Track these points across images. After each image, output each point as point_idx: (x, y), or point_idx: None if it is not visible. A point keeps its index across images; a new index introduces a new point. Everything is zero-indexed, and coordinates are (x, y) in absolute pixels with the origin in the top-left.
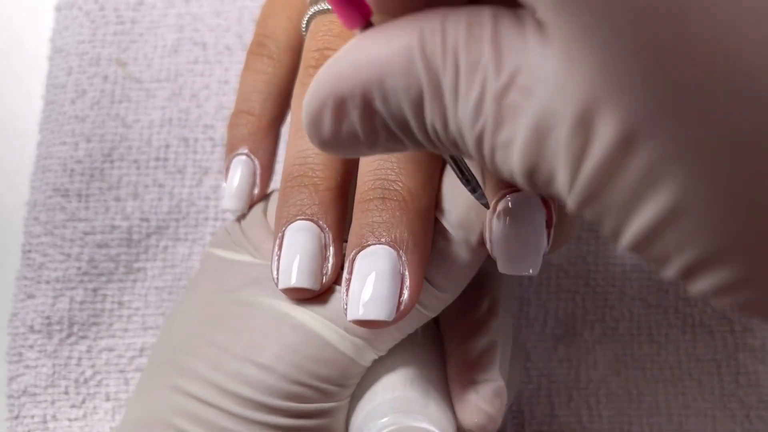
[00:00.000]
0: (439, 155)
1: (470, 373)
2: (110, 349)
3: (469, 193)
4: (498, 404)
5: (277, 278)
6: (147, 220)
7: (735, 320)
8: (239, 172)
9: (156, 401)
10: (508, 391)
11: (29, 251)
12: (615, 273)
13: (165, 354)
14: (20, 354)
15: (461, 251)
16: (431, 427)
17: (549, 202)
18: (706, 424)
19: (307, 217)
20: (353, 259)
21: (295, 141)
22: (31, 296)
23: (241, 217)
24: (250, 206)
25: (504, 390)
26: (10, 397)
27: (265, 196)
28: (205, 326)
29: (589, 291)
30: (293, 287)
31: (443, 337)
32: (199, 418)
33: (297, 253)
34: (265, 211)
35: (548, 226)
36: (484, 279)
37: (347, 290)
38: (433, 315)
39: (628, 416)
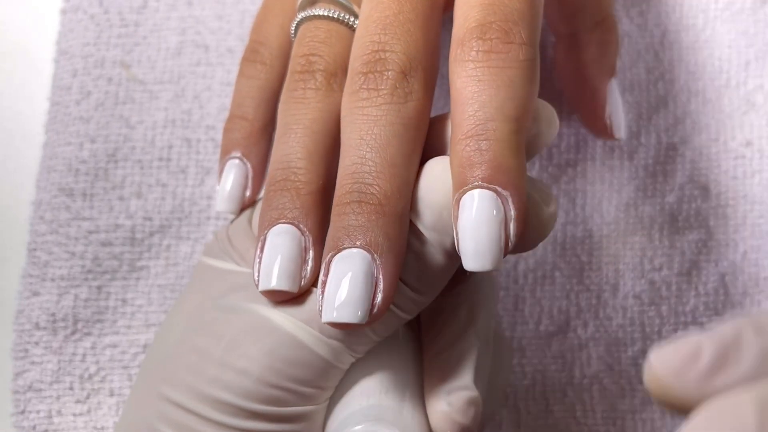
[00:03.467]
0: (417, 157)
1: (444, 382)
2: (114, 346)
3: (441, 196)
4: (471, 414)
5: (258, 280)
6: (150, 219)
7: (727, 317)
8: (232, 176)
9: (143, 409)
10: (494, 394)
11: (34, 249)
12: (608, 271)
13: (153, 362)
14: (26, 350)
15: (436, 253)
16: None
17: (505, 195)
18: None
19: (288, 220)
20: (329, 262)
21: (279, 145)
22: (36, 294)
23: (229, 225)
24: (243, 209)
25: (478, 400)
26: (16, 392)
27: (254, 203)
28: (188, 333)
29: (582, 288)
30: (273, 289)
31: (422, 344)
32: (180, 425)
33: (277, 256)
34: (250, 220)
35: (506, 220)
36: (463, 286)
37: (322, 292)
38: (410, 317)
39: (622, 411)
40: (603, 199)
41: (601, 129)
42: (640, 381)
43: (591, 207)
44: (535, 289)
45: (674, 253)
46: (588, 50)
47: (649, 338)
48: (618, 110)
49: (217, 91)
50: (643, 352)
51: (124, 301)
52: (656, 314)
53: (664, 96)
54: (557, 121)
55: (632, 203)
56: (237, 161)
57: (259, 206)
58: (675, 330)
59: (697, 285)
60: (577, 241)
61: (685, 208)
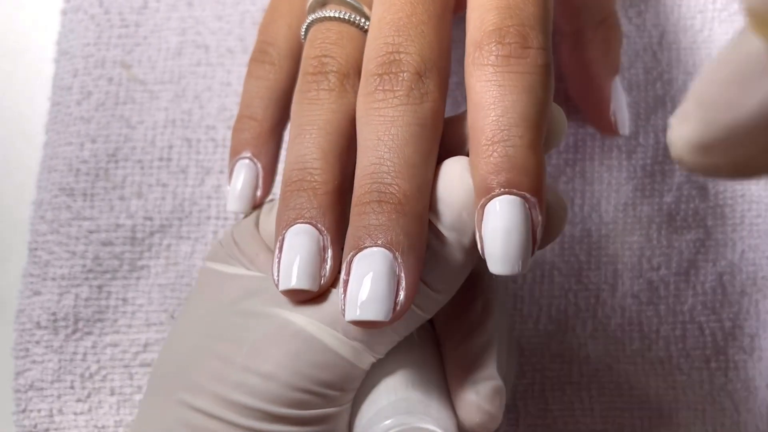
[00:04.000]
0: (434, 157)
1: (469, 373)
2: (115, 345)
3: (461, 196)
4: (498, 402)
5: (278, 280)
6: (150, 218)
7: (725, 316)
8: (242, 176)
9: (162, 416)
10: (506, 387)
11: (35, 249)
12: (607, 270)
13: (169, 369)
14: (27, 349)
15: (455, 253)
16: (435, 428)
17: (533, 201)
18: (696, 417)
19: (306, 220)
20: (350, 261)
21: (293, 146)
22: (37, 293)
23: (233, 229)
24: (253, 208)
25: (503, 388)
26: (17, 391)
27: (259, 205)
28: (207, 339)
29: (581, 288)
30: (293, 289)
31: (439, 339)
32: (204, 430)
33: (297, 256)
34: (257, 223)
35: (534, 225)
36: (477, 279)
37: (345, 291)
38: (429, 316)
39: (620, 410)
40: (601, 198)
41: (606, 126)
42: (639, 380)
43: (589, 207)
44: (534, 289)
45: (672, 253)
46: (592, 48)
47: (647, 337)
48: (622, 107)
49: (217, 91)
50: (642, 351)
51: (124, 300)
52: (654, 314)
53: (663, 96)
54: (566, 123)
55: (630, 203)
56: (247, 161)
57: (265, 209)
58: (673, 329)
59: (695, 284)
60: (575, 240)
61: (683, 207)
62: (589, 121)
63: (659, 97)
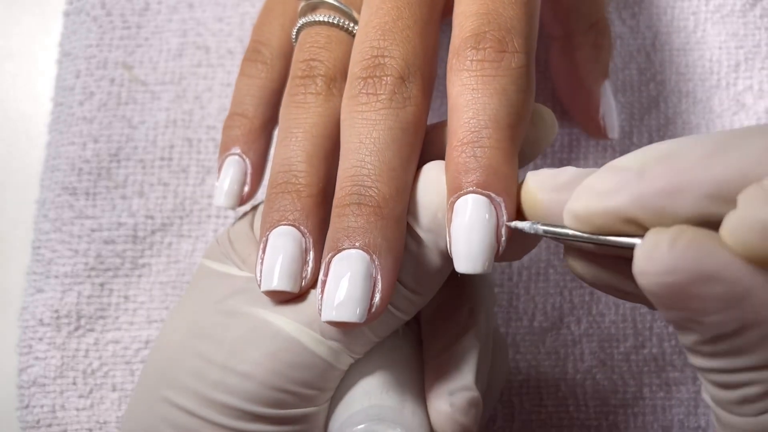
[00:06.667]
0: (415, 161)
1: (446, 382)
2: (116, 342)
3: (436, 198)
4: (472, 415)
5: (260, 281)
6: (152, 217)
7: None
8: (231, 171)
9: (147, 412)
10: (492, 391)
11: (39, 247)
12: None
13: (156, 365)
14: (30, 346)
15: (432, 254)
16: None
17: (498, 201)
18: (688, 413)
19: (289, 222)
20: (329, 262)
21: (280, 149)
22: (40, 290)
23: (230, 228)
24: (241, 204)
25: (479, 400)
26: (21, 387)
27: (253, 201)
28: (191, 337)
29: (576, 285)
30: (274, 290)
31: (423, 343)
32: (184, 428)
33: (279, 257)
34: (252, 225)
35: (498, 225)
36: (464, 288)
37: (322, 292)
38: (407, 317)
39: (614, 406)
40: None
41: (595, 129)
42: (633, 376)
43: None
44: (529, 286)
45: None
46: (582, 52)
47: (640, 334)
48: (611, 111)
49: (217, 91)
50: (635, 348)
51: (126, 297)
52: (648, 310)
53: (656, 97)
54: (557, 126)
55: None
56: (236, 157)
57: (259, 210)
58: (666, 326)
59: None
60: None
61: None
62: (578, 124)
63: (653, 98)
